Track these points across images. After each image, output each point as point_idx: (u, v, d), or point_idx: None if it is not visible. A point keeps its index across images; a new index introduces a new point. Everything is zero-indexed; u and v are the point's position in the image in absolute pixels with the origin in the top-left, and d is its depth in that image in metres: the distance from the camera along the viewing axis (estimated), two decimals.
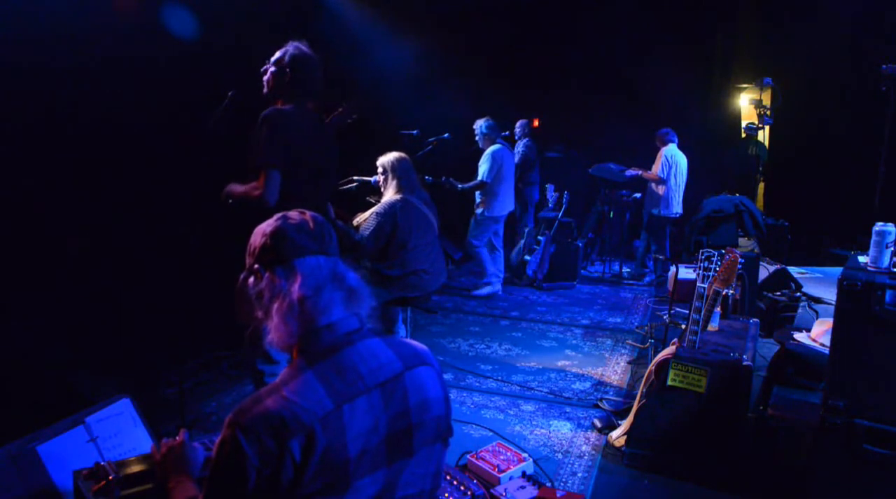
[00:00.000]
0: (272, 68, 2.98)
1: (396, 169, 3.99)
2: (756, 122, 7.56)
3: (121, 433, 2.31)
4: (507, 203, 6.38)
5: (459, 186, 6.15)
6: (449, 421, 1.51)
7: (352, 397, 1.32)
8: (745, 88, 8.04)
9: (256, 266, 1.43)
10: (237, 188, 2.95)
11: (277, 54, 2.98)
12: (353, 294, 1.45)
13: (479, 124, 6.29)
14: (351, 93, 3.49)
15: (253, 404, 1.28)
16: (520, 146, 7.50)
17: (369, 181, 4.43)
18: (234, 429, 1.25)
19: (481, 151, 6.32)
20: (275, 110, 2.91)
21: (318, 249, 1.43)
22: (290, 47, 3.00)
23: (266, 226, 1.45)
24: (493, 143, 6.28)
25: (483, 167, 6.20)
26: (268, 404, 1.27)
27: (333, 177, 3.22)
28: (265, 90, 3.01)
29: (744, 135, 7.69)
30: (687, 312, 3.32)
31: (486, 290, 6.41)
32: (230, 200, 2.96)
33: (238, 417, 1.27)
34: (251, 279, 1.44)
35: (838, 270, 2.69)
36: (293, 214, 1.47)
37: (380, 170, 4.05)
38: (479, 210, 6.32)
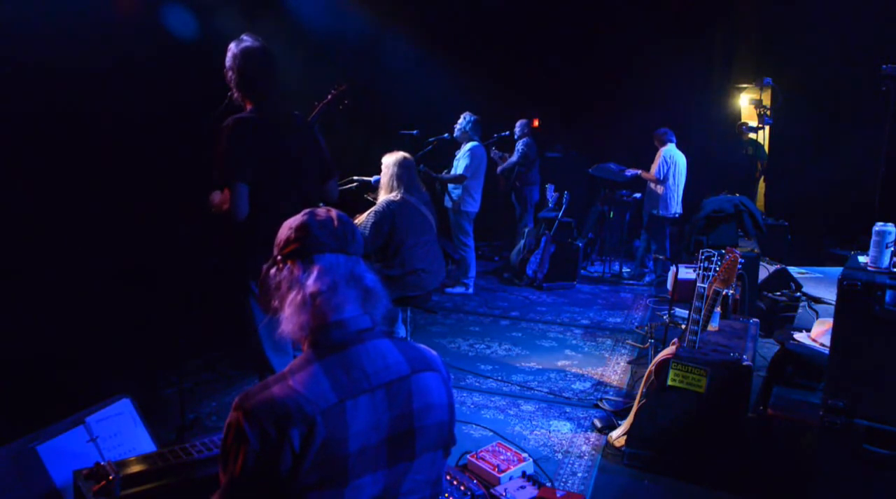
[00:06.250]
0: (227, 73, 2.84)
1: (397, 169, 4.00)
2: (753, 122, 7.57)
3: (121, 433, 2.31)
4: (479, 201, 6.40)
5: (437, 176, 6.16)
6: (452, 429, 1.53)
7: (355, 394, 1.34)
8: (745, 88, 8.05)
9: (279, 257, 1.48)
10: (214, 199, 2.89)
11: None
12: (369, 294, 1.48)
13: (466, 118, 6.29)
14: (340, 79, 3.42)
15: (259, 390, 1.32)
16: (520, 145, 7.51)
17: (369, 181, 4.44)
18: (238, 412, 1.29)
19: (457, 142, 6.34)
20: (232, 120, 2.76)
21: (339, 247, 1.47)
22: (232, 45, 2.81)
23: (293, 220, 1.50)
24: (471, 140, 6.29)
25: (463, 162, 6.22)
26: (273, 391, 1.30)
27: (316, 174, 3.05)
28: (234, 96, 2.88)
29: (737, 131, 7.70)
30: (687, 312, 3.32)
31: (460, 289, 6.43)
32: (212, 210, 2.90)
33: (243, 401, 1.30)
34: (273, 270, 1.48)
35: (838, 270, 2.69)
36: (320, 211, 1.51)
37: (383, 169, 4.06)
38: (450, 204, 6.36)
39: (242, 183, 2.74)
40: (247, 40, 2.82)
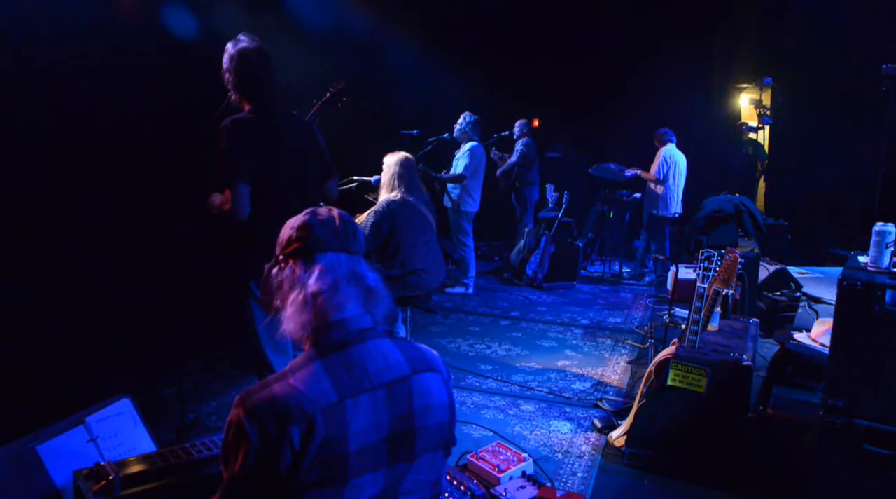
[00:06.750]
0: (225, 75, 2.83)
1: (398, 169, 4.00)
2: (753, 122, 7.57)
3: (121, 433, 2.31)
4: (478, 200, 6.39)
5: (436, 175, 6.16)
6: (453, 429, 1.53)
7: (356, 393, 1.34)
8: (745, 88, 8.05)
9: (280, 257, 1.49)
10: (215, 200, 2.89)
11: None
12: (371, 294, 1.48)
13: (465, 118, 6.29)
14: (338, 77, 3.43)
15: (260, 388, 1.33)
16: (519, 145, 7.51)
17: (369, 181, 4.44)
18: (239, 410, 1.30)
19: (456, 142, 6.34)
20: (230, 121, 2.76)
21: (341, 246, 1.47)
22: (228, 46, 2.80)
23: (295, 220, 1.50)
24: (471, 140, 6.29)
25: (463, 162, 6.21)
26: (274, 389, 1.31)
27: (316, 174, 3.06)
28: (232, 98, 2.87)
29: (737, 131, 7.71)
30: (687, 312, 3.32)
31: (460, 289, 6.43)
32: (213, 211, 2.91)
33: (244, 399, 1.31)
34: (275, 269, 1.49)
35: (838, 270, 2.69)
36: (322, 211, 1.51)
37: (384, 168, 4.07)
38: (449, 204, 6.36)
39: (243, 183, 2.75)
40: (243, 41, 2.81)
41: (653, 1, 8.21)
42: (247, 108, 2.86)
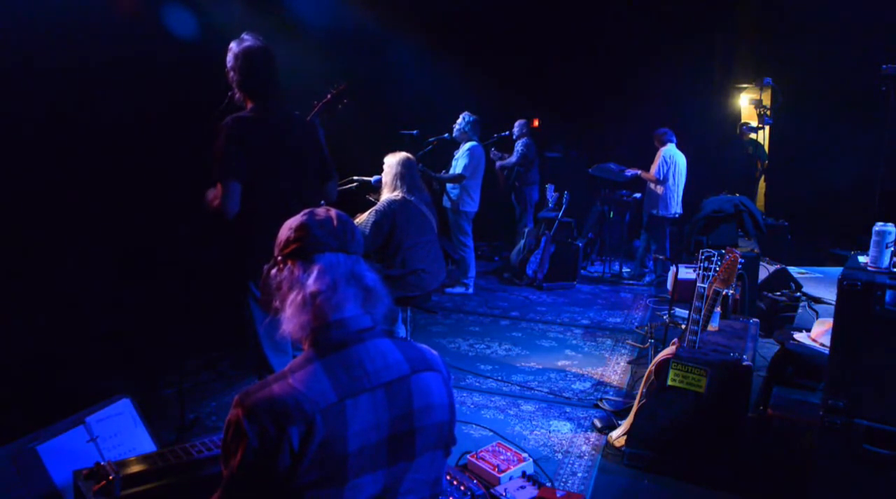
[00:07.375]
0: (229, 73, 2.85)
1: (400, 169, 4.00)
2: (754, 122, 7.58)
3: (121, 433, 2.31)
4: (477, 200, 6.39)
5: (435, 175, 6.16)
6: (452, 429, 1.53)
7: (355, 393, 1.34)
8: (745, 88, 8.06)
9: (279, 258, 1.49)
10: (209, 196, 2.90)
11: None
12: (370, 294, 1.48)
13: (465, 118, 6.28)
14: (339, 79, 3.44)
15: (259, 388, 1.33)
16: (518, 145, 7.51)
17: (369, 181, 4.44)
18: (238, 409, 1.30)
19: (456, 142, 6.34)
20: (231, 119, 2.78)
21: (339, 246, 1.47)
22: (233, 45, 2.83)
23: (293, 220, 1.50)
24: (470, 140, 6.29)
25: (462, 162, 6.21)
26: (273, 389, 1.31)
27: (316, 174, 3.08)
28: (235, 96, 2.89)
29: (738, 132, 7.72)
30: (687, 312, 3.32)
31: (460, 289, 6.43)
32: (208, 207, 2.91)
33: (244, 398, 1.31)
34: (274, 270, 1.49)
35: (838, 270, 2.69)
36: (319, 211, 1.51)
37: (385, 168, 4.07)
38: (449, 204, 6.36)
39: (235, 181, 2.75)
40: (248, 40, 2.83)
41: (653, 1, 8.21)
42: (249, 106, 2.87)
